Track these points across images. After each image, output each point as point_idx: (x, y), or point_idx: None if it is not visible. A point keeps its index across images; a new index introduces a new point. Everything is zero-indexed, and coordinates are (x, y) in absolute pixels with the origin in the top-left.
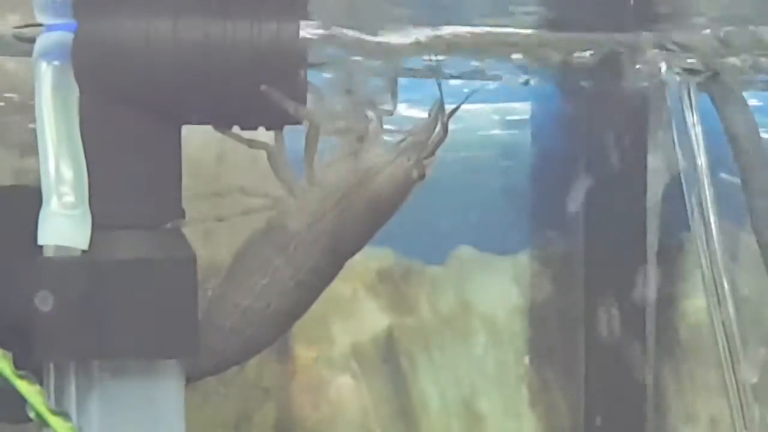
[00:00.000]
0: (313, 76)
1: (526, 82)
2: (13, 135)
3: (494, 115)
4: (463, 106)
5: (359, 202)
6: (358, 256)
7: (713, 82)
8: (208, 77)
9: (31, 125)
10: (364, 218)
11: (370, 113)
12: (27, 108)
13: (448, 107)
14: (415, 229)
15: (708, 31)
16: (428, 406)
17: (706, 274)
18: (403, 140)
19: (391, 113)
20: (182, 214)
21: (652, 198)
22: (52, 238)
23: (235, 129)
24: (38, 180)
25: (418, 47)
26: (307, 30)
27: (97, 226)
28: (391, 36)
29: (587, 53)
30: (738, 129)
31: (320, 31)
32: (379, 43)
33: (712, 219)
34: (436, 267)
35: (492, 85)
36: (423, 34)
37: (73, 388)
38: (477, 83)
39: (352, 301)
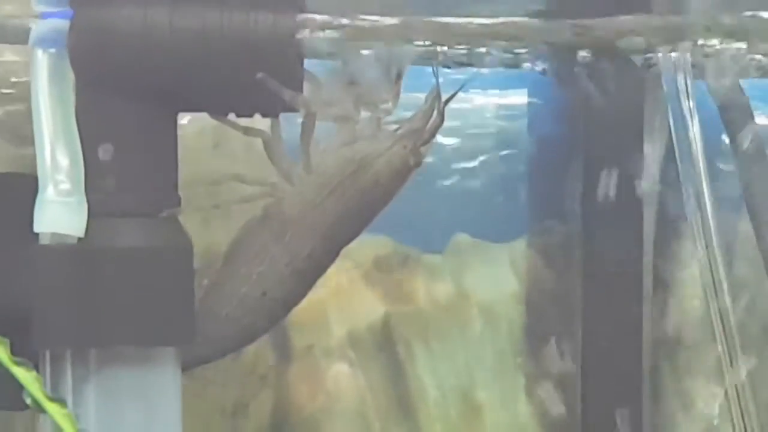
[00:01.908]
0: (309, 64)
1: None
2: None
3: (491, 103)
4: (460, 94)
5: (356, 189)
6: (354, 244)
7: (709, 69)
8: (205, 65)
9: None
10: (361, 205)
11: (369, 111)
12: None
13: (445, 95)
14: (413, 216)
15: (704, 17)
16: (425, 395)
17: (703, 262)
18: (399, 127)
19: (390, 113)
20: (178, 202)
21: (648, 186)
22: (48, 226)
23: (232, 116)
24: (34, 167)
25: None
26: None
27: (93, 214)
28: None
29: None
30: (734, 117)
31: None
32: (372, 27)
33: (708, 207)
34: (434, 255)
35: (487, 72)
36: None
37: (69, 376)
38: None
39: (349, 289)
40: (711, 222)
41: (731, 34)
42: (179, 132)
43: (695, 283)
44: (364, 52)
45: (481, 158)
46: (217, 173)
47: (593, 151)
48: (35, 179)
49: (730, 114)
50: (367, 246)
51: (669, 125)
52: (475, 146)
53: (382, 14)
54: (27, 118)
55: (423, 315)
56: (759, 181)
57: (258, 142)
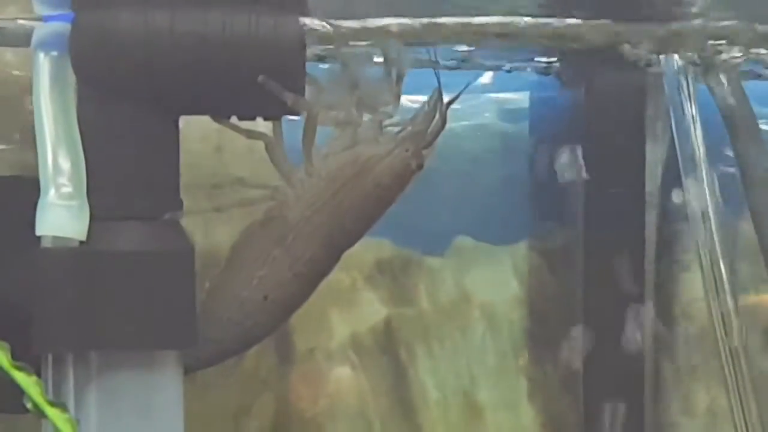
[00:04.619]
0: (311, 67)
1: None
2: None
3: (492, 105)
4: (461, 97)
5: (357, 192)
6: (356, 247)
7: (711, 72)
8: (206, 68)
9: None
10: (363, 209)
11: (370, 114)
12: None
13: (447, 97)
14: (414, 219)
15: (706, 22)
16: (427, 397)
17: (704, 264)
18: (401, 130)
19: (391, 116)
20: (180, 206)
21: (650, 188)
22: (50, 229)
23: (233, 120)
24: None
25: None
26: (305, 20)
27: (95, 217)
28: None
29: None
30: (735, 118)
31: (318, 22)
32: (375, 29)
33: (710, 209)
34: (435, 258)
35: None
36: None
37: (71, 379)
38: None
39: (351, 292)
40: (713, 224)
41: (734, 39)
42: (181, 135)
43: (697, 285)
44: (365, 54)
45: (483, 160)
46: (218, 176)
47: (595, 153)
48: (37, 182)
49: (733, 116)
50: (369, 249)
51: (671, 127)
52: (476, 148)
53: (382, 16)
54: None
55: (425, 318)
56: (761, 184)
57: (260, 145)
